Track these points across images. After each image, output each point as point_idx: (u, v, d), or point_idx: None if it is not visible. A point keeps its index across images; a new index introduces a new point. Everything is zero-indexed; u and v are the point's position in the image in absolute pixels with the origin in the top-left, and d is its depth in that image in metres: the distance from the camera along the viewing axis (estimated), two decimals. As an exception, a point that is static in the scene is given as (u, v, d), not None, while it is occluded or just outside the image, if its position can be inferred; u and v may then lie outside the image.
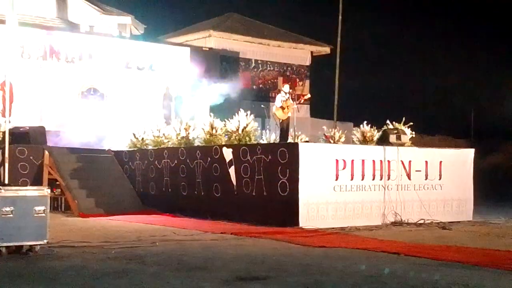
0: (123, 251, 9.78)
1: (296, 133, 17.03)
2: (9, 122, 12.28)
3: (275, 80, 27.95)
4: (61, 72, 20.16)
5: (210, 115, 16.94)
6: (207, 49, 26.05)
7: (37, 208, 9.38)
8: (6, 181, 11.17)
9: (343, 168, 13.92)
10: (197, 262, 8.90)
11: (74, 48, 20.46)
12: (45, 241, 9.41)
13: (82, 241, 10.71)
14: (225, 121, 16.41)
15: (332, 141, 16.95)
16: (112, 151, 18.47)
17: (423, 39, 33.35)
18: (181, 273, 8.06)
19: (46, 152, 17.14)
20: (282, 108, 16.49)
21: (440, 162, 15.39)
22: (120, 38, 22.60)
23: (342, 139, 17.34)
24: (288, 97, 16.65)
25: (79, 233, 12.14)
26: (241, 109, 16.62)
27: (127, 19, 24.59)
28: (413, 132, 16.27)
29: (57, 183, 16.82)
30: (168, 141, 17.54)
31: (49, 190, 9.70)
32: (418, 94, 30.88)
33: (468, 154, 16.00)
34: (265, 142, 17.06)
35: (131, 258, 9.10)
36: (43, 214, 9.42)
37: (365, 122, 16.64)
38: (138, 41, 22.46)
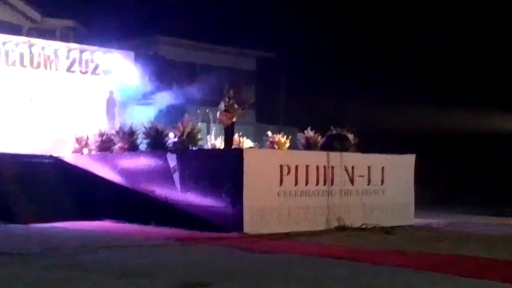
0: (65, 258, 9.61)
1: (240, 138, 17.02)
2: None
3: (221, 85, 27.93)
4: (1, 76, 19.68)
5: (155, 120, 16.78)
6: (152, 53, 25.89)
7: (-25, 215, 9.15)
8: None
9: (287, 174, 13.99)
10: (140, 268, 8.80)
11: (14, 51, 19.98)
12: (-17, 249, 9.19)
13: (21, 249, 10.47)
14: (170, 126, 16.29)
15: (276, 147, 16.99)
16: (55, 157, 18.13)
17: (370, 45, 33.76)
18: (125, 280, 7.96)
19: (-15, 158, 16.73)
20: (227, 111, 16.46)
21: (383, 167, 15.63)
22: (63, 41, 22.22)
23: (287, 145, 17.40)
24: (233, 102, 16.63)
25: (19, 240, 11.87)
26: (186, 114, 16.54)
27: (71, 22, 24.24)
28: (356, 138, 16.45)
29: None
30: (112, 147, 17.32)
31: (-13, 197, 9.47)
32: (362, 100, 31.20)
33: (409, 160, 16.29)
34: (209, 147, 16.99)
35: (73, 265, 8.95)
36: (-19, 222, 9.19)
37: (309, 127, 16.75)
38: (82, 44, 22.10)
